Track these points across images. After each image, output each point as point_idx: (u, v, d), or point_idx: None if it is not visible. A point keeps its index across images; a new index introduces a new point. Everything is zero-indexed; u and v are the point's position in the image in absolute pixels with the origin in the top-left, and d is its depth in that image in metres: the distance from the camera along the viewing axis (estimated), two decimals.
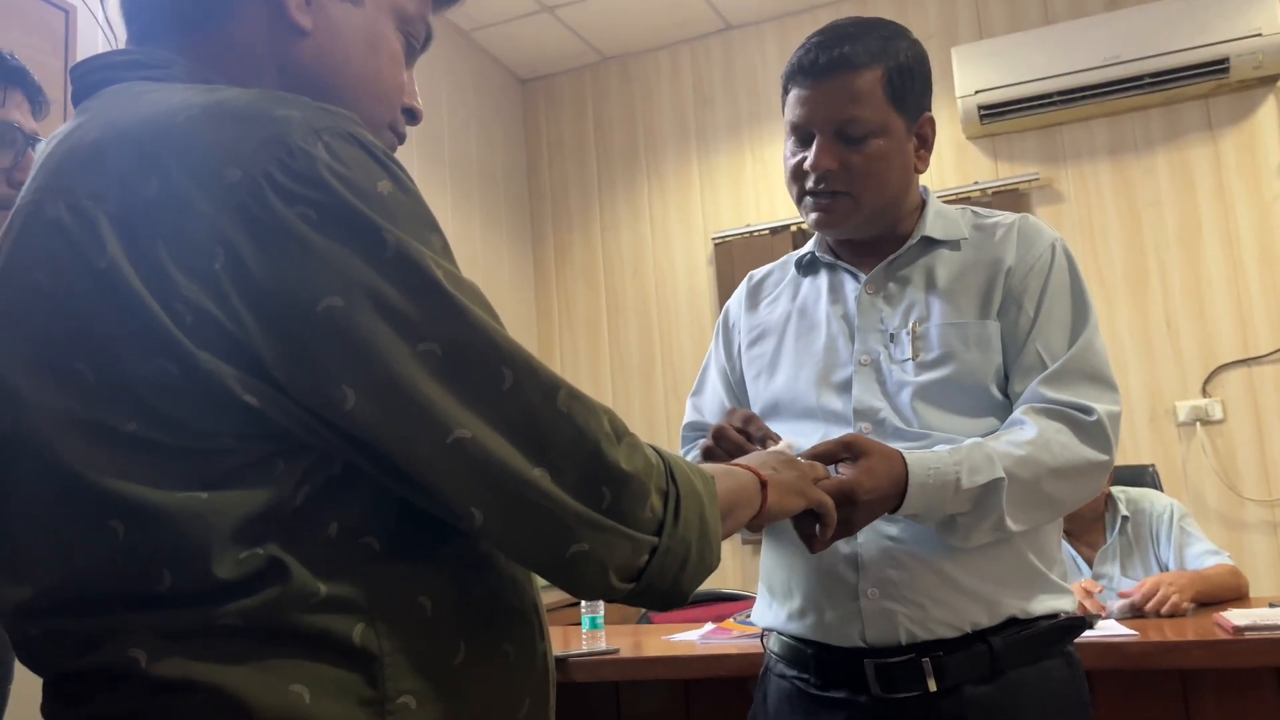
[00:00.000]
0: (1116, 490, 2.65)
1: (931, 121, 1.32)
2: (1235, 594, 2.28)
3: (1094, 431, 1.19)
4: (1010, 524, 1.16)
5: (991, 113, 3.63)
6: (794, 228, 3.95)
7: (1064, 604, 1.26)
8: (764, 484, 0.95)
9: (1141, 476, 2.88)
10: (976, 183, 3.72)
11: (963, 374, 1.23)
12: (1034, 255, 1.28)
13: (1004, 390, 1.26)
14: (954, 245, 1.31)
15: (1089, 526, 2.63)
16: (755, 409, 1.40)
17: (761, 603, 1.37)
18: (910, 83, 1.27)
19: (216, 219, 0.63)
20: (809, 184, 1.28)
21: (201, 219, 0.63)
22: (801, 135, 1.28)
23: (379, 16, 0.83)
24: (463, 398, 0.66)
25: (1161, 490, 2.84)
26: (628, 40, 4.23)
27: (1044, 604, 1.23)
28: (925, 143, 1.31)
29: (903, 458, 1.13)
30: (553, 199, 4.42)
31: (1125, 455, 3.26)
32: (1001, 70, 3.57)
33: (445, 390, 0.65)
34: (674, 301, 4.17)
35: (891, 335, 1.27)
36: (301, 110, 0.67)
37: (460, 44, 4.06)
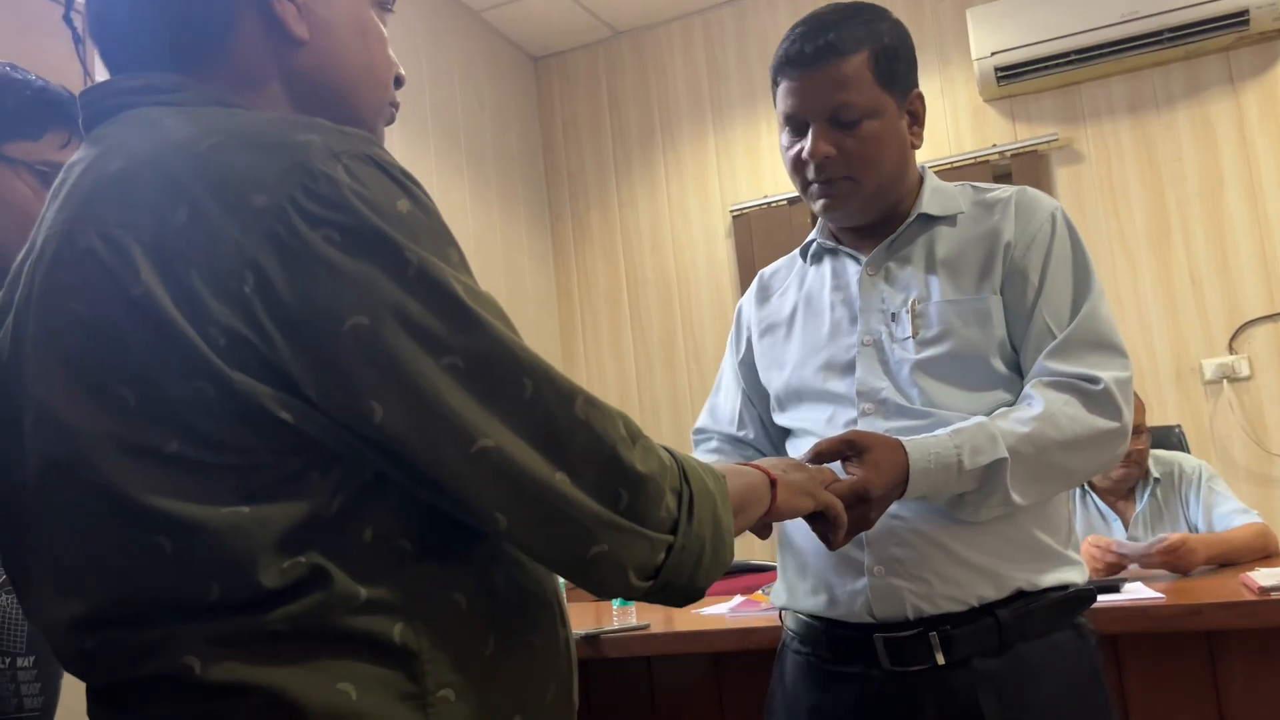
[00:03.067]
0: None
1: (921, 98, 1.33)
2: (1261, 553, 2.29)
3: (1102, 400, 1.20)
4: (1018, 499, 1.17)
5: (1009, 74, 3.59)
6: None
7: (1073, 575, 1.26)
8: (773, 483, 0.97)
9: (1168, 437, 2.87)
10: (995, 145, 3.69)
11: (962, 349, 1.24)
12: (1034, 227, 1.28)
13: (1009, 364, 1.27)
14: (952, 221, 1.32)
15: (1127, 494, 2.64)
16: (771, 398, 1.42)
17: (779, 583, 1.40)
18: (896, 62, 1.28)
19: (244, 244, 0.65)
20: (810, 173, 1.29)
21: (230, 244, 0.65)
22: (796, 125, 1.29)
23: (358, 1, 0.85)
24: (486, 408, 0.68)
25: (1189, 451, 2.84)
26: (639, 14, 4.21)
27: (1052, 577, 1.24)
28: (917, 119, 1.33)
29: (902, 445, 1.15)
30: (569, 177, 4.43)
31: (1151, 416, 3.25)
32: (1018, 30, 3.53)
33: (469, 401, 0.68)
34: (693, 275, 4.18)
35: (893, 315, 1.28)
36: (321, 134, 0.69)
37: (471, 24, 4.06)
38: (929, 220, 1.32)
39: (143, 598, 0.68)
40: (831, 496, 1.06)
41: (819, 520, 1.09)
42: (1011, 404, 1.25)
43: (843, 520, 1.07)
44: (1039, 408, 1.19)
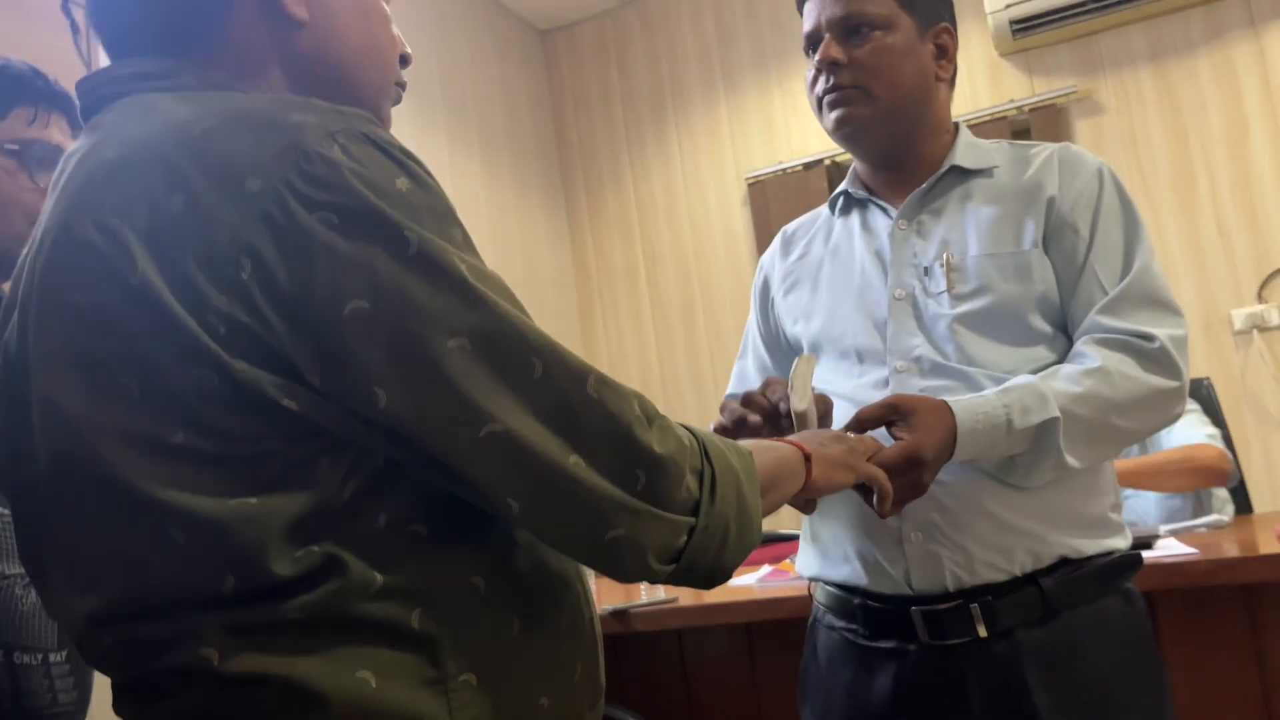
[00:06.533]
0: None
1: (949, 32, 1.31)
2: (1186, 467, 2.32)
3: (1159, 358, 1.15)
4: (1071, 461, 1.13)
5: (1024, 26, 3.52)
6: (828, 161, 3.89)
7: (1118, 542, 1.22)
8: (808, 457, 0.94)
9: (1197, 390, 2.82)
10: (1012, 100, 3.62)
11: (1001, 305, 1.21)
12: (1081, 182, 1.25)
13: (1051, 320, 1.22)
14: (988, 174, 1.29)
15: None
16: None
17: (805, 552, 1.35)
18: None
19: (241, 229, 0.64)
20: (820, 86, 1.28)
21: (226, 230, 0.64)
22: (813, 44, 1.30)
23: None
24: (494, 390, 0.66)
25: (1219, 406, 2.80)
26: None
27: (1096, 544, 1.19)
28: (945, 52, 1.30)
29: (949, 406, 1.11)
30: (582, 151, 4.39)
31: None
32: None
33: (477, 383, 0.66)
34: (710, 246, 4.14)
35: (925, 269, 1.25)
36: (315, 115, 0.67)
37: (476, 0, 4.02)
38: (963, 173, 1.30)
39: (158, 590, 0.68)
40: (873, 468, 1.02)
41: (866, 492, 1.05)
42: (1055, 362, 1.20)
43: (888, 490, 1.03)
44: (1092, 366, 1.14)
